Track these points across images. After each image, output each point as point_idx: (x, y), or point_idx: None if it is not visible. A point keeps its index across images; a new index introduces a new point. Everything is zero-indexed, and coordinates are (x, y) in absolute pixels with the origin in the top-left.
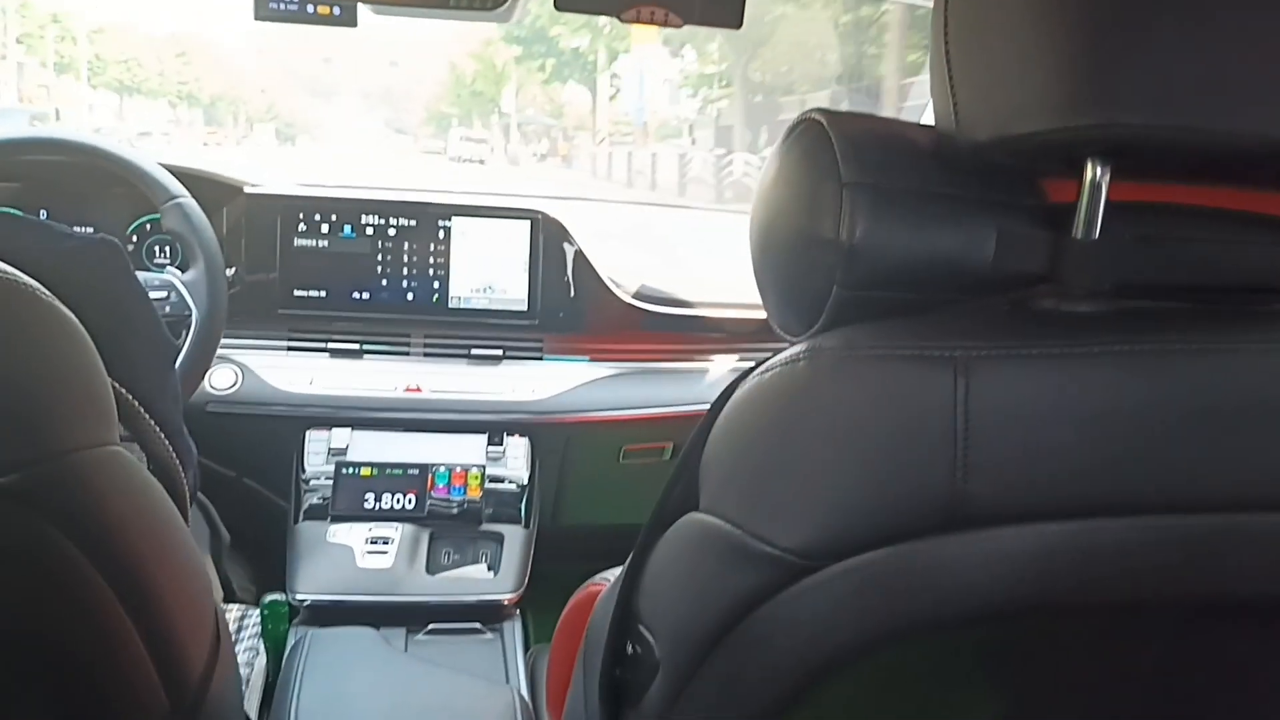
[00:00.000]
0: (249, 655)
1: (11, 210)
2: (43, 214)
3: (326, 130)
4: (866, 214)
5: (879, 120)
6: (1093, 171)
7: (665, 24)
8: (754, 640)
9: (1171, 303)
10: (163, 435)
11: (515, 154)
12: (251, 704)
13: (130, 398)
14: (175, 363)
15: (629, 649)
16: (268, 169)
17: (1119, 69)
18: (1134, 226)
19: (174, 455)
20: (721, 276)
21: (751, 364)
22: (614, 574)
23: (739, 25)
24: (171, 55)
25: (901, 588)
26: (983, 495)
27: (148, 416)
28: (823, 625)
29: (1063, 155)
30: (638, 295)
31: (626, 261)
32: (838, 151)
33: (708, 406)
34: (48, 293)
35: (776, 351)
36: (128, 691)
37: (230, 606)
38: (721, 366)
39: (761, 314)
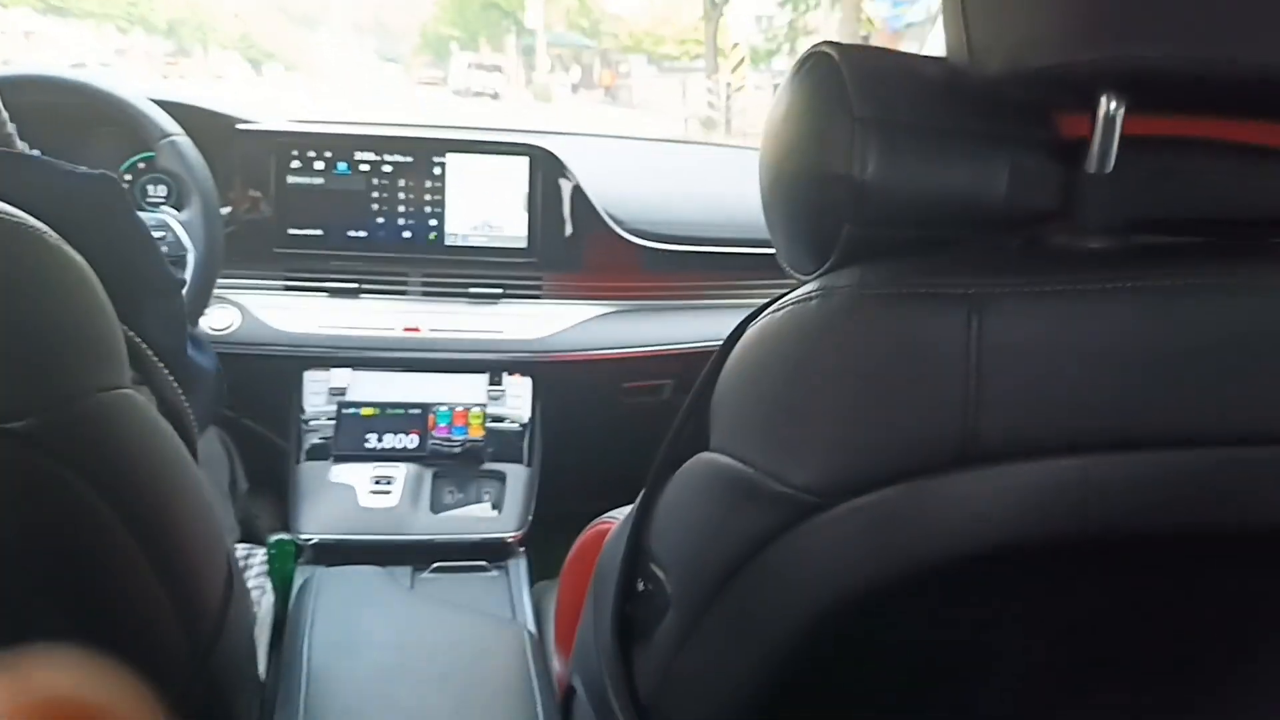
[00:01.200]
0: (256, 594)
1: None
2: (35, 153)
3: (308, 61)
4: (878, 149)
5: (890, 53)
6: (1107, 105)
7: None
8: (765, 578)
9: (1186, 238)
10: (170, 376)
11: (545, 86)
12: (260, 641)
13: (138, 340)
14: (180, 294)
15: (640, 586)
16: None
17: (1131, 1)
18: (1148, 160)
19: (181, 396)
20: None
21: (763, 302)
22: (622, 513)
23: None
24: None
25: (913, 524)
26: (994, 431)
27: (155, 358)
28: (834, 563)
29: (1076, 89)
30: (638, 232)
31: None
32: (849, 85)
33: (708, 343)
34: (56, 236)
35: (780, 289)
36: (146, 627)
37: (236, 545)
38: (722, 304)
39: (764, 251)
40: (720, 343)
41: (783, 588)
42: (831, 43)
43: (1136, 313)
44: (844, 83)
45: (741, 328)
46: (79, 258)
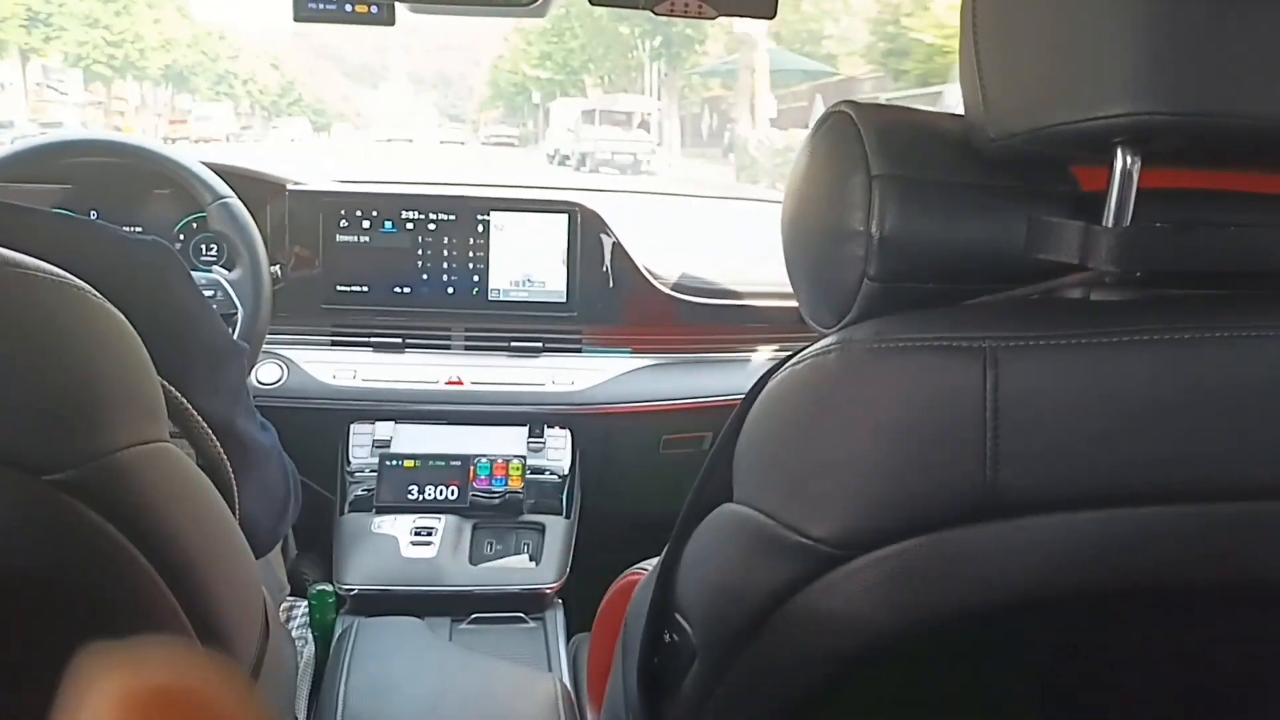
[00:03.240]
0: (298, 645)
1: (64, 211)
2: (93, 214)
3: (368, 119)
4: (896, 206)
5: (907, 111)
6: (1123, 160)
7: (699, 15)
8: (789, 629)
9: (1204, 289)
10: (210, 432)
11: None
12: (301, 691)
13: (179, 396)
14: (236, 360)
15: (666, 637)
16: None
17: (1148, 59)
18: (1165, 213)
19: (220, 450)
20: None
21: (785, 355)
22: (652, 564)
23: (773, 15)
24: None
25: (933, 577)
26: (1013, 485)
27: (195, 413)
28: (856, 614)
29: (1093, 144)
30: (676, 286)
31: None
32: (866, 143)
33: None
34: (98, 294)
35: (813, 342)
36: None
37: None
38: (761, 356)
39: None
40: None
41: (806, 638)
42: (850, 102)
43: (1155, 365)
44: (861, 141)
45: (763, 381)
46: (119, 314)
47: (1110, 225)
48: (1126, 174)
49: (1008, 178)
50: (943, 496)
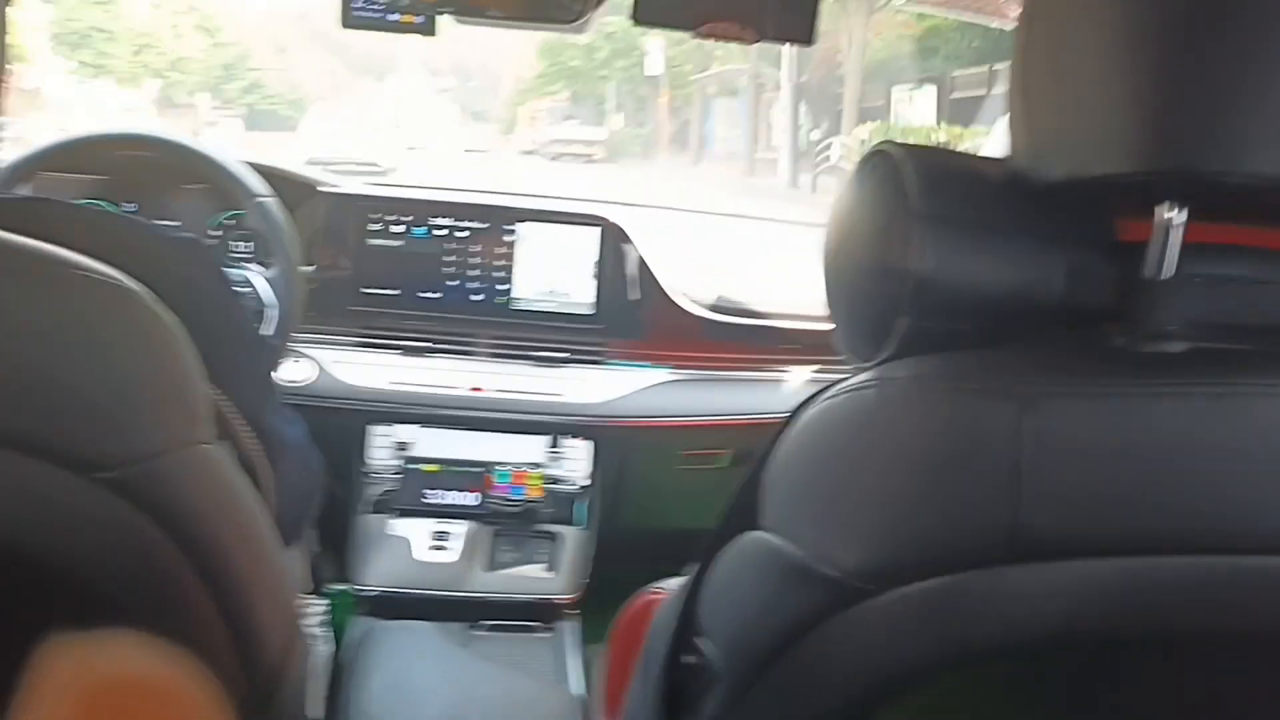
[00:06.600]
0: (312, 644)
1: (101, 203)
2: (129, 207)
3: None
4: (936, 246)
5: (950, 153)
6: (1168, 213)
7: (740, 39)
8: (812, 660)
9: (1242, 345)
10: (250, 433)
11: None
12: (317, 691)
13: (220, 396)
14: (266, 357)
15: (688, 659)
16: None
17: (1194, 116)
18: (1207, 267)
19: (259, 449)
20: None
21: (819, 385)
22: (671, 583)
23: (812, 41)
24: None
25: (959, 616)
26: (1041, 529)
27: (235, 413)
28: (880, 649)
29: (1138, 195)
30: (700, 302)
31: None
32: (908, 184)
33: (767, 416)
34: (151, 296)
35: (839, 366)
36: (210, 669)
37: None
38: (787, 377)
39: (824, 326)
40: (778, 415)
41: (829, 669)
42: (892, 142)
43: (1189, 418)
44: (903, 181)
45: (799, 410)
46: (170, 316)
47: (1151, 276)
48: (1168, 226)
49: (1049, 223)
50: (971, 537)
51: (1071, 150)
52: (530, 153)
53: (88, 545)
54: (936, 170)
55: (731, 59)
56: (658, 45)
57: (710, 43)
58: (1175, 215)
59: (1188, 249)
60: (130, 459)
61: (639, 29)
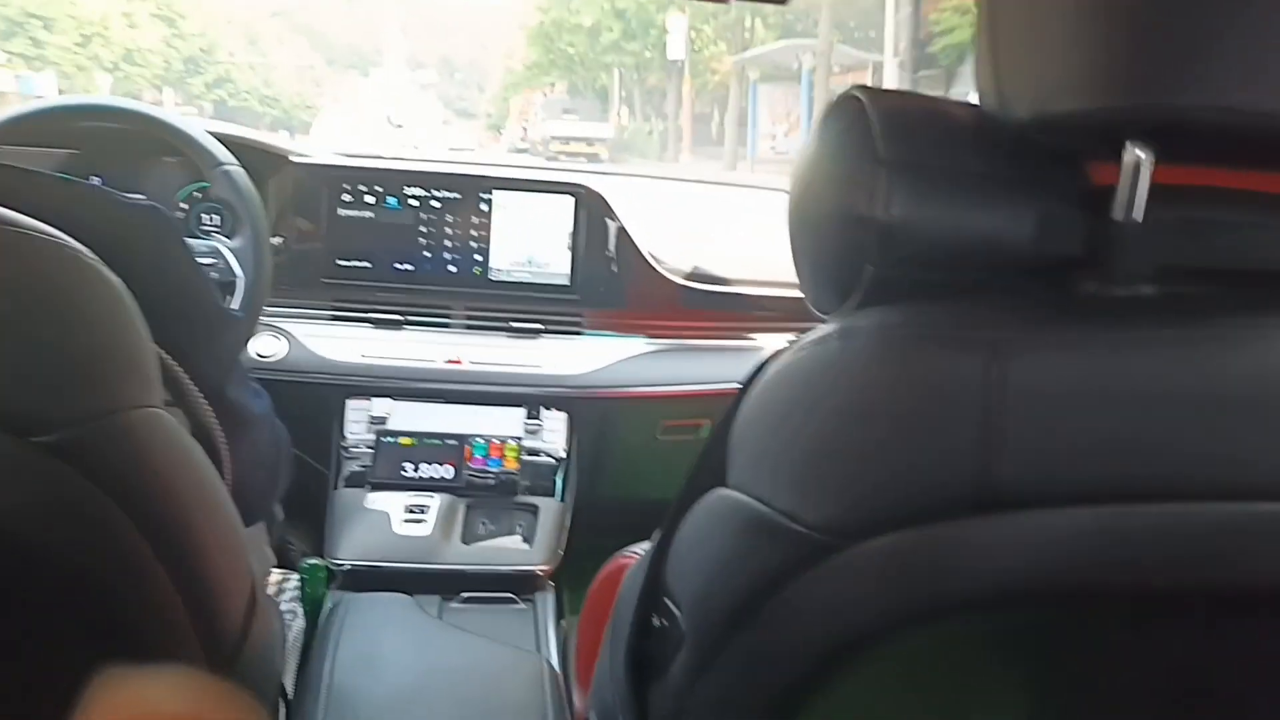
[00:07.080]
0: (287, 618)
1: (66, 175)
2: (96, 180)
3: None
4: (904, 192)
5: (918, 97)
6: (1135, 153)
7: None
8: (778, 617)
9: (1213, 288)
10: (204, 399)
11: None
12: (289, 665)
13: (173, 362)
14: (229, 329)
15: (655, 621)
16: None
17: (1161, 50)
18: (1177, 210)
19: (214, 418)
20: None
21: (785, 342)
22: (643, 547)
23: (785, 1)
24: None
25: (927, 569)
26: (1011, 478)
27: (189, 381)
28: (847, 604)
29: (1104, 136)
30: (678, 271)
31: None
32: (875, 129)
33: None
34: (94, 257)
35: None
36: (163, 642)
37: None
38: (762, 344)
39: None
40: None
41: (796, 627)
42: (861, 86)
43: (1162, 363)
44: (870, 126)
45: (763, 366)
46: (114, 278)
47: (1120, 220)
48: (1136, 167)
49: (1019, 168)
50: (939, 488)
51: (1038, 88)
52: (522, 151)
53: (24, 514)
54: (903, 115)
55: (791, 33)
56: (680, 23)
57: (749, 19)
58: (1142, 155)
59: (1158, 191)
60: (70, 421)
61: (657, 6)
